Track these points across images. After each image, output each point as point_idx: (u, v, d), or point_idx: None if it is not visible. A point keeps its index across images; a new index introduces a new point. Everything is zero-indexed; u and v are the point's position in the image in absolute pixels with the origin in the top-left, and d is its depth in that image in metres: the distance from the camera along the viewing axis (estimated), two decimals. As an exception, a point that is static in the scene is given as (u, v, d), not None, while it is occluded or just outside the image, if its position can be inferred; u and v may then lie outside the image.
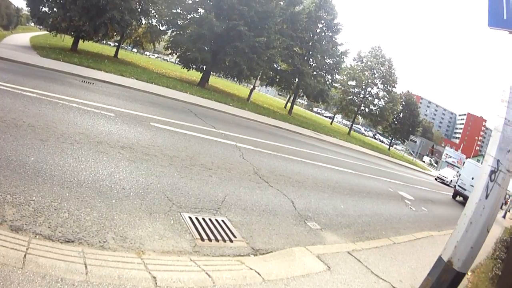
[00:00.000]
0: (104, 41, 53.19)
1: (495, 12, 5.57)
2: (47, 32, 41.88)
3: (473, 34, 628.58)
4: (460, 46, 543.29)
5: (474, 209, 5.18)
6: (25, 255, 4.12)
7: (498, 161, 5.12)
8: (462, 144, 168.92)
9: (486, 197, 5.13)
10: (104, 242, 5.30)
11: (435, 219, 18.73)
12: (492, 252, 14.43)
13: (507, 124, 5.11)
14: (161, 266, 5.07)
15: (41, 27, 51.49)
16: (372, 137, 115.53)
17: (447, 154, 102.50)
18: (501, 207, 45.41)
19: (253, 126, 25.36)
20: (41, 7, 34.65)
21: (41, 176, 6.48)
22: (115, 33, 41.09)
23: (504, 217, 42.49)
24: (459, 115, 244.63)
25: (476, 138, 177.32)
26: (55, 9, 33.98)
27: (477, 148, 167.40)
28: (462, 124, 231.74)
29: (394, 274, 8.13)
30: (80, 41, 37.63)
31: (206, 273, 5.24)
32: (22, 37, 55.28)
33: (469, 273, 10.38)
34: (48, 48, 35.04)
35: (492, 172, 5.14)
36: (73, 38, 37.52)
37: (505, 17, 5.43)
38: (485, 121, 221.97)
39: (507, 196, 55.60)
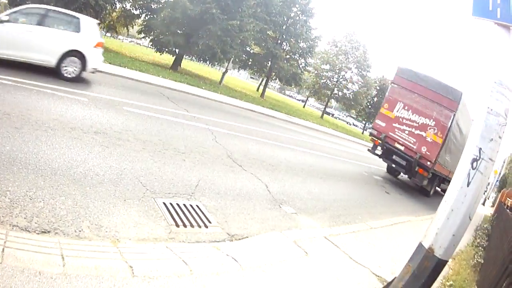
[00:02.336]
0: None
1: (480, 2, 5.62)
2: (22, 19, 41.51)
3: (453, 21, 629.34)
4: (439, 33, 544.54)
5: (455, 197, 5.23)
6: (3, 249, 4.10)
7: (480, 149, 5.19)
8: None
9: (468, 184, 5.19)
10: (80, 231, 5.30)
11: (412, 204, 19.01)
12: (472, 239, 14.57)
13: (489, 113, 5.20)
14: (138, 254, 5.08)
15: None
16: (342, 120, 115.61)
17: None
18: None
19: (226, 109, 25.47)
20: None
21: (16, 165, 6.43)
22: (89, 18, 40.79)
23: (483, 204, 43.13)
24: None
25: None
26: (32, -3, 33.71)
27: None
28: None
29: (372, 259, 8.22)
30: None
31: (183, 260, 5.28)
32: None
33: (450, 260, 10.48)
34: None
35: (474, 160, 5.20)
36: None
37: (490, 8, 5.49)
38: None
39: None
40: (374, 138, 21.55)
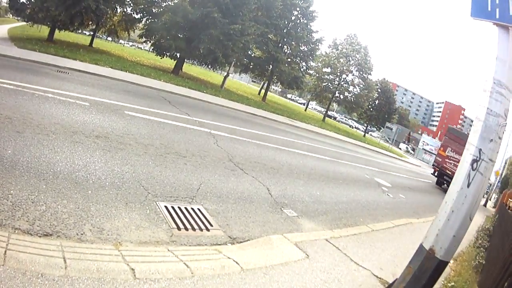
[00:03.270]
0: (80, 31, 52.50)
1: (479, 2, 5.62)
2: (25, 23, 41.53)
3: (452, 23, 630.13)
4: (438, 34, 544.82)
5: (455, 198, 5.22)
6: (5, 252, 4.11)
7: (480, 150, 5.18)
8: (439, 132, 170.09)
9: (468, 185, 5.18)
10: (82, 234, 5.31)
11: (414, 206, 19.04)
12: (474, 240, 14.54)
13: (489, 113, 5.19)
14: (139, 257, 5.07)
15: (19, 18, 51.00)
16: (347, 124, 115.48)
17: (424, 141, 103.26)
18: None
19: (227, 113, 25.51)
20: (19, -2, 34.44)
21: (18, 169, 6.45)
22: (90, 22, 40.71)
23: (485, 205, 43.30)
24: (437, 103, 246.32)
25: (454, 126, 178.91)
26: (32, 0, 33.66)
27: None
28: (440, 112, 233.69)
29: (374, 261, 8.20)
30: (56, 31, 37.24)
31: (184, 263, 5.27)
32: (0, 29, 54.70)
33: (451, 261, 10.45)
34: (25, 39, 34.54)
35: (474, 161, 5.19)
36: (49, 28, 37.16)
37: (489, 9, 5.48)
38: (464, 109, 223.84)
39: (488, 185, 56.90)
40: (435, 167, 37.49)
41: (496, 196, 59.55)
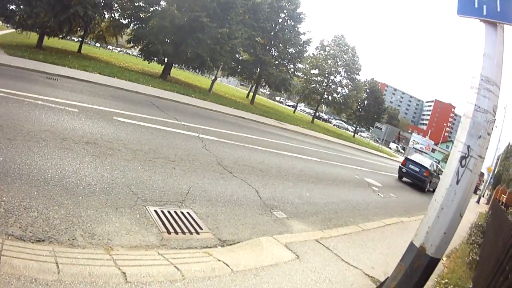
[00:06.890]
0: (68, 37, 52.22)
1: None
2: (14, 30, 41.34)
3: (439, 21, 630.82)
4: (426, 33, 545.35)
5: (445, 195, 5.28)
6: (-1, 257, 4.18)
7: (468, 146, 5.24)
8: (430, 131, 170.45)
9: (457, 182, 5.24)
10: (73, 239, 5.36)
11: (405, 205, 19.18)
12: (467, 237, 14.62)
13: (477, 110, 5.26)
14: (130, 261, 5.13)
15: (8, 25, 50.76)
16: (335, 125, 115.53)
17: (414, 140, 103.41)
18: (475, 192, 47.65)
19: (216, 117, 25.50)
20: (8, 5, 34.20)
21: (10, 176, 6.49)
22: (79, 29, 40.61)
23: (478, 202, 43.55)
24: (426, 102, 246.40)
25: (445, 124, 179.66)
26: (21, 6, 33.51)
27: (446, 134, 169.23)
28: (430, 110, 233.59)
29: (365, 261, 8.27)
30: (45, 38, 37.14)
31: (175, 266, 5.32)
32: (-11, 37, 54.45)
33: (444, 258, 10.53)
34: (14, 46, 34.27)
35: (463, 157, 5.26)
36: (38, 35, 37.06)
37: (476, 5, 5.55)
38: (454, 107, 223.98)
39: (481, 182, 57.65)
40: None
41: (489, 192, 59.91)
